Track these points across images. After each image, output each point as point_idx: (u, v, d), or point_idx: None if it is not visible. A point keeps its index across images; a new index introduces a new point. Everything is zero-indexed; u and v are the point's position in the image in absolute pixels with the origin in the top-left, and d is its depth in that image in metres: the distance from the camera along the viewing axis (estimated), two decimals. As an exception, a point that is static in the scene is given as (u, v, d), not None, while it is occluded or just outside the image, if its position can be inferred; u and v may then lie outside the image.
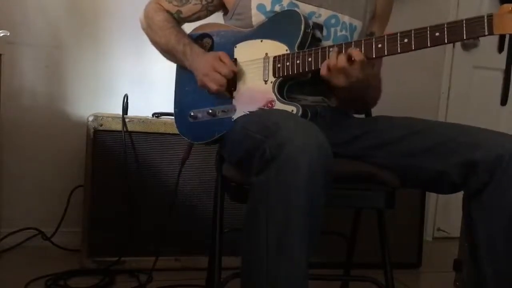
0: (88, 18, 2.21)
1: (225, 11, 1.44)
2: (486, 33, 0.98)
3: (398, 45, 1.07)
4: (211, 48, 1.38)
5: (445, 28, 1.02)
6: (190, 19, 1.45)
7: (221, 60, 1.27)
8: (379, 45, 1.10)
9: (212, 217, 1.40)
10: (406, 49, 1.07)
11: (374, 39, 1.11)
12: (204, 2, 1.41)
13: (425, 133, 1.17)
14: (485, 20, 0.98)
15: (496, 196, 1.04)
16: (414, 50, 1.07)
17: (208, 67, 1.27)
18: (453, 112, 2.74)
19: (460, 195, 1.14)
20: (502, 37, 1.66)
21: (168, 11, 1.42)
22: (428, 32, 1.04)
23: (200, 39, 1.40)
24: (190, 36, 1.43)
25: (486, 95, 2.68)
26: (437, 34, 1.03)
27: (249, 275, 0.98)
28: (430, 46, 1.04)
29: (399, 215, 1.98)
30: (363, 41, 1.12)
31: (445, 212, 2.77)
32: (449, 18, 2.55)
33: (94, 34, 2.21)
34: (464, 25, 1.00)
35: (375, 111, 1.48)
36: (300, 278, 0.93)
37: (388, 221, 1.32)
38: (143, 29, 1.46)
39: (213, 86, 1.26)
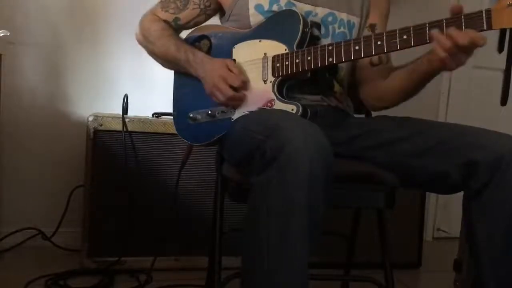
0: (88, 18, 2.21)
1: (222, 13, 1.43)
2: (485, 28, 0.98)
3: (398, 41, 1.07)
4: (209, 50, 1.37)
5: (444, 24, 1.02)
6: (189, 25, 1.43)
7: (229, 70, 1.25)
8: (379, 42, 1.10)
9: (212, 217, 1.40)
10: (405, 45, 1.07)
11: (373, 37, 1.11)
12: (202, 6, 1.40)
13: (425, 134, 1.17)
14: (484, 15, 0.98)
15: (496, 196, 1.04)
16: (414, 46, 1.07)
17: (217, 77, 1.24)
18: (453, 112, 2.74)
19: (460, 195, 1.14)
20: (502, 37, 1.66)
21: (165, 21, 1.40)
22: (427, 28, 1.04)
23: (198, 41, 1.39)
24: (188, 38, 1.42)
25: (486, 95, 2.68)
26: (436, 30, 1.03)
27: (249, 275, 0.98)
28: (430, 42, 1.04)
29: (399, 215, 1.97)
30: (362, 39, 1.12)
31: (445, 212, 2.77)
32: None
33: (94, 34, 2.21)
34: (462, 20, 1.00)
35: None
36: (301, 278, 0.93)
37: (388, 221, 1.32)
38: (140, 43, 1.43)
39: (222, 99, 1.25)
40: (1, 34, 1.81)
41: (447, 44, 1.01)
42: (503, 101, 1.76)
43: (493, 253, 1.06)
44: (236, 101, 1.26)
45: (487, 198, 1.05)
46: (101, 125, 1.86)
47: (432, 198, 2.72)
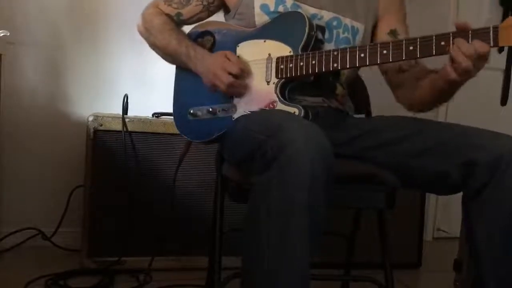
0: (88, 18, 2.21)
1: (226, 10, 1.42)
2: (492, 45, 0.99)
3: (404, 52, 1.07)
4: (212, 46, 1.36)
5: (451, 38, 1.02)
6: (191, 21, 1.42)
7: (228, 59, 1.25)
8: (384, 51, 1.09)
9: (212, 217, 1.40)
10: (411, 56, 1.07)
11: (379, 45, 1.10)
12: (205, 3, 1.39)
13: (425, 134, 1.17)
14: (491, 32, 0.98)
15: (495, 196, 1.04)
16: (420, 58, 1.07)
17: (216, 67, 1.24)
18: (453, 112, 2.74)
19: (460, 194, 1.14)
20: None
21: (167, 15, 1.39)
22: (434, 40, 1.03)
23: (201, 36, 1.39)
24: (191, 33, 1.42)
25: (486, 95, 2.68)
26: (442, 43, 1.03)
27: (249, 275, 0.98)
28: (436, 55, 1.04)
29: (399, 215, 1.98)
30: (368, 47, 1.12)
31: (445, 212, 2.77)
32: (449, 22, 2.54)
33: (94, 34, 2.21)
34: (470, 35, 1.00)
35: (376, 111, 1.48)
36: (301, 278, 0.93)
37: (388, 221, 1.32)
38: (141, 34, 1.42)
39: (222, 86, 1.24)
40: (1, 34, 1.81)
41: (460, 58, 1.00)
42: (503, 101, 1.76)
43: (493, 253, 1.06)
44: (236, 88, 1.25)
45: (487, 198, 1.05)
46: (101, 125, 1.86)
47: (432, 198, 2.72)
